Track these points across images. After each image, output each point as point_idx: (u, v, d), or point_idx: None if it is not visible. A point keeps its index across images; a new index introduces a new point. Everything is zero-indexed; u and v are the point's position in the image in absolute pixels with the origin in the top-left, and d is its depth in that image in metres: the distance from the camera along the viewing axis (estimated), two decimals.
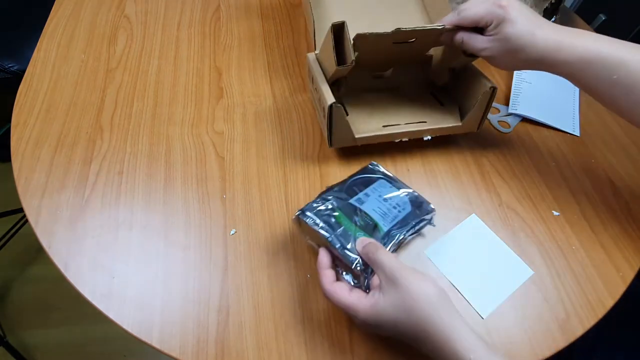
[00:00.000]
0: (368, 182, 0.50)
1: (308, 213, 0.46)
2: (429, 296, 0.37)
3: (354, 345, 0.44)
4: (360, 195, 0.49)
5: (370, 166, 0.53)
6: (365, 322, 0.39)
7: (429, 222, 0.50)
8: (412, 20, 0.65)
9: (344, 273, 0.44)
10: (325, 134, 0.56)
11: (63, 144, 0.57)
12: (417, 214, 0.49)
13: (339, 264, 0.45)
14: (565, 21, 0.82)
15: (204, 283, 0.47)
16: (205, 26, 0.74)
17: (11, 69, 1.03)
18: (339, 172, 0.56)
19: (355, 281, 0.43)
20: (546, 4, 0.68)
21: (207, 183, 0.54)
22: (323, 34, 0.53)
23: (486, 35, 0.48)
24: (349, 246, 0.43)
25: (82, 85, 0.63)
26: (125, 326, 0.43)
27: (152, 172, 0.55)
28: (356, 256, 0.43)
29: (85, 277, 0.46)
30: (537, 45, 0.46)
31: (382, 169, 0.52)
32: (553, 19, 0.71)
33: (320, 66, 0.56)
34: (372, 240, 0.43)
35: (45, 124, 0.58)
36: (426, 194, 0.51)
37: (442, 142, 0.60)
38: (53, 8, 0.74)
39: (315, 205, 0.47)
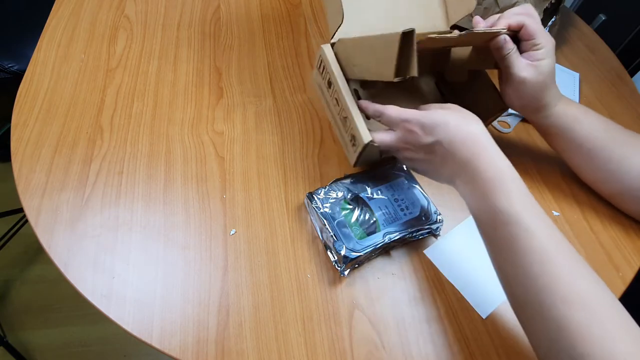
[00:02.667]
0: (387, 178, 0.52)
1: (316, 197, 0.50)
2: (474, 116, 0.45)
3: (353, 345, 0.44)
4: (373, 190, 0.50)
5: (398, 163, 0.53)
6: (417, 136, 0.44)
7: (434, 232, 0.51)
8: (429, 12, 0.57)
9: (328, 250, 0.49)
10: (349, 155, 0.54)
11: (63, 144, 0.57)
12: (422, 221, 0.49)
13: (327, 245, 0.49)
14: (565, 21, 0.82)
15: (204, 283, 0.47)
16: (205, 26, 0.74)
17: (11, 69, 1.03)
18: (339, 172, 0.56)
19: (334, 260, 0.48)
20: (546, 4, 0.68)
21: (207, 183, 0.54)
22: (333, 20, 0.51)
23: (530, 60, 0.48)
24: (342, 237, 0.47)
25: (82, 85, 0.63)
26: (125, 326, 0.43)
27: (152, 172, 0.55)
28: (344, 247, 0.46)
29: (85, 277, 0.46)
30: (556, 90, 0.50)
31: (406, 168, 0.53)
32: (553, 19, 0.70)
33: (341, 62, 0.51)
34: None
35: (45, 124, 0.58)
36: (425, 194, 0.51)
37: None
38: (53, 8, 0.74)
39: (325, 190, 0.51)
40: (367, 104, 0.50)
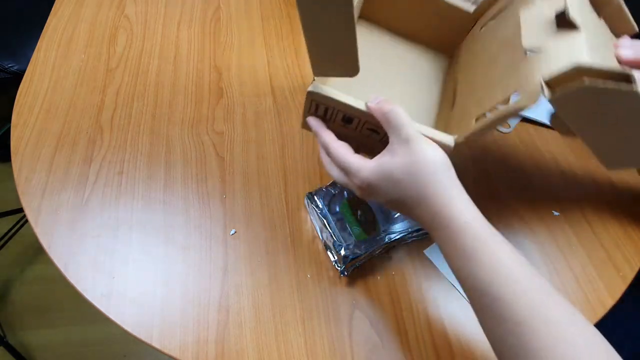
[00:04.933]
0: None
1: (316, 197, 0.50)
2: (436, 161, 0.37)
3: (353, 345, 0.44)
4: None
5: None
6: (365, 182, 0.38)
7: None
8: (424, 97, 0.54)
9: (328, 250, 0.48)
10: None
11: (63, 144, 0.57)
12: None
13: (327, 245, 0.49)
14: None
15: (204, 283, 0.47)
16: (205, 26, 0.74)
17: (11, 69, 1.03)
18: None
19: (334, 260, 0.47)
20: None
21: (207, 183, 0.54)
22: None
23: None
24: (342, 237, 0.47)
25: (82, 85, 0.63)
26: (125, 326, 0.43)
27: (152, 172, 0.55)
28: (344, 247, 0.46)
29: (85, 277, 0.46)
30: None
31: None
32: None
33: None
34: (387, 99, 0.40)
35: (45, 124, 0.58)
36: None
37: None
38: (53, 8, 0.74)
39: (326, 190, 0.51)
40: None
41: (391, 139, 0.38)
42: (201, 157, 0.57)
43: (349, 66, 0.39)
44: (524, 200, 0.56)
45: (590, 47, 0.36)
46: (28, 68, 0.65)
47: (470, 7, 0.52)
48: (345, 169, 0.40)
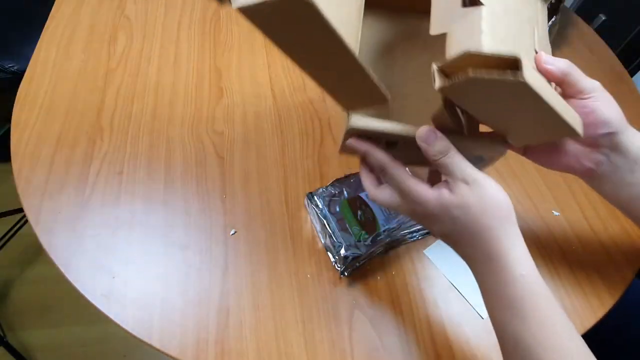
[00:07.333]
0: None
1: (316, 197, 0.50)
2: (501, 207, 0.35)
3: (353, 345, 0.44)
4: None
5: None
6: (422, 211, 0.37)
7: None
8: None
9: (328, 250, 0.48)
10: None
11: (63, 144, 0.56)
12: None
13: (327, 245, 0.49)
14: (565, 21, 0.82)
15: (204, 283, 0.47)
16: (205, 26, 0.74)
17: (11, 69, 1.03)
18: (339, 172, 0.56)
19: (334, 260, 0.47)
20: (546, 4, 0.68)
21: (207, 183, 0.54)
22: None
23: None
24: (342, 237, 0.47)
25: (82, 85, 0.63)
26: (125, 326, 0.43)
27: (152, 172, 0.55)
28: (344, 247, 0.46)
29: (85, 277, 0.46)
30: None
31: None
32: (553, 19, 0.70)
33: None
34: (441, 135, 0.36)
35: (45, 124, 0.58)
36: None
37: None
38: (53, 8, 0.74)
39: (326, 190, 0.51)
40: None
41: (449, 176, 0.36)
42: (201, 157, 0.57)
43: (374, 96, 0.36)
44: (524, 200, 0.56)
45: (492, 24, 0.33)
46: (28, 68, 0.65)
47: None
48: (403, 192, 0.37)
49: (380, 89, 0.35)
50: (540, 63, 0.38)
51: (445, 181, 0.37)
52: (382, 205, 0.41)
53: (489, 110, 0.37)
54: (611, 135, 0.39)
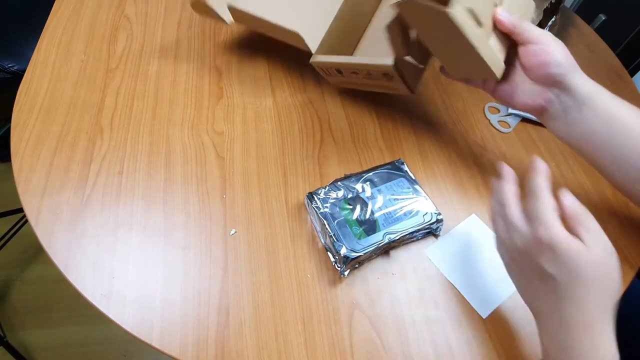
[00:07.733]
0: (388, 178, 0.52)
1: (316, 197, 0.50)
2: (614, 287, 0.36)
3: (353, 345, 0.44)
4: (373, 190, 0.50)
5: (396, 162, 0.54)
6: (556, 263, 0.36)
7: (434, 232, 0.51)
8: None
9: (328, 250, 0.49)
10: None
11: (63, 144, 0.57)
12: (422, 221, 0.49)
13: (327, 245, 0.48)
14: (565, 21, 0.82)
15: (204, 283, 0.47)
16: (205, 26, 0.74)
17: (11, 69, 1.03)
18: (339, 172, 0.56)
19: (334, 260, 0.48)
20: (546, 4, 0.68)
21: (207, 183, 0.54)
22: None
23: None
24: (342, 237, 0.47)
25: (82, 85, 0.63)
26: (125, 326, 0.43)
27: (152, 172, 0.55)
28: (344, 247, 0.46)
29: (85, 277, 0.46)
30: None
31: (406, 168, 0.54)
32: (553, 19, 0.70)
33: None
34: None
35: (45, 124, 0.58)
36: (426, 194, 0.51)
37: (442, 143, 0.60)
38: (53, 8, 0.74)
39: (325, 190, 0.51)
40: None
41: (585, 236, 0.37)
42: (201, 157, 0.57)
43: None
44: (524, 200, 0.56)
45: None
46: (28, 68, 0.65)
47: None
48: (543, 241, 0.37)
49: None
50: (495, 15, 0.44)
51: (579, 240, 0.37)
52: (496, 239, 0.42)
53: (429, 37, 0.45)
54: (561, 76, 0.43)
